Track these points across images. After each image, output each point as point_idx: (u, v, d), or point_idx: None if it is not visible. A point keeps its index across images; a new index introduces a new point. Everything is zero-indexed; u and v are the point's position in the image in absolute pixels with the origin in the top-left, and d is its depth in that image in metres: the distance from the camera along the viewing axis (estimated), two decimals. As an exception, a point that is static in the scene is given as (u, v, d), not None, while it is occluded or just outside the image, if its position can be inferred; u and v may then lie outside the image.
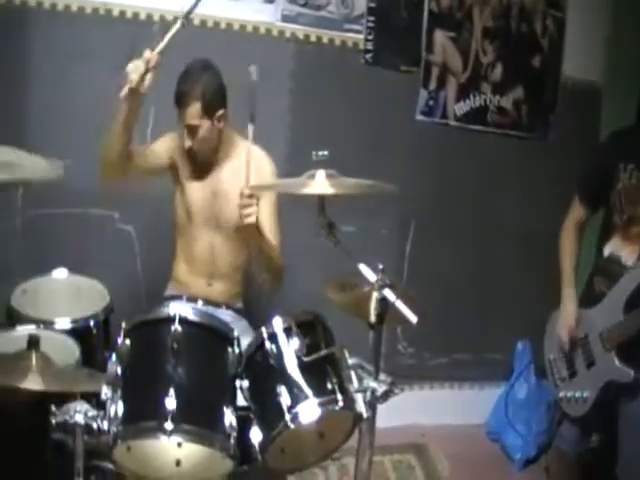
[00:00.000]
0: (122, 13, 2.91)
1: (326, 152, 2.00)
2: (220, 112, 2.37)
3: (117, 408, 1.71)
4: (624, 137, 2.49)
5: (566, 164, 3.49)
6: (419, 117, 3.31)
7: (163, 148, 2.48)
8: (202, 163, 2.47)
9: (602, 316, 2.39)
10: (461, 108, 3.37)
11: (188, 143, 2.37)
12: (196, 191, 2.48)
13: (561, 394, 2.52)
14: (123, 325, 1.85)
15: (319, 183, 1.91)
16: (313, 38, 3.11)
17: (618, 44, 3.37)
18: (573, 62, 3.53)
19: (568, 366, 2.53)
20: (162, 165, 2.48)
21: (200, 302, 2.47)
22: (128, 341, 1.82)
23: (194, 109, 2.32)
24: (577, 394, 2.45)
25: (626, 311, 2.30)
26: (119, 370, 1.78)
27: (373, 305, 1.82)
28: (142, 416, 1.71)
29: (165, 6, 2.88)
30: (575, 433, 2.54)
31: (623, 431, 2.36)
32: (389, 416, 3.08)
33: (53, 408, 1.68)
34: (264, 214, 2.47)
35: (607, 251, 2.42)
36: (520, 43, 3.44)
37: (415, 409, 3.48)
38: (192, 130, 2.35)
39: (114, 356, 1.81)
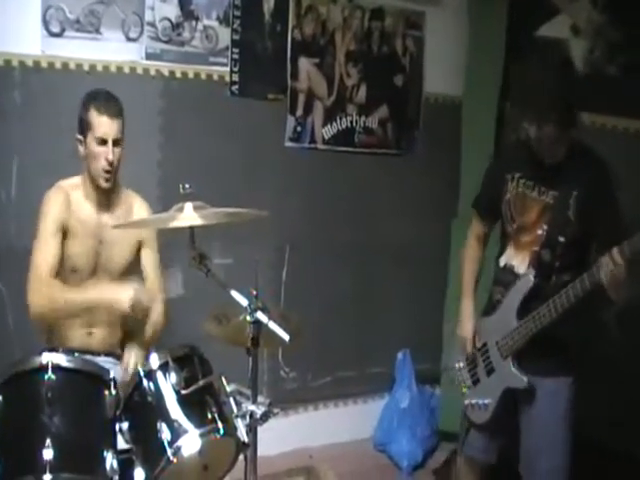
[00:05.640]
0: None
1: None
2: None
3: (-7, 470, 1.68)
4: (509, 151, 2.60)
5: (433, 175, 3.68)
6: (288, 144, 3.36)
7: (56, 223, 2.35)
8: (103, 196, 2.41)
9: (498, 324, 2.44)
10: (328, 131, 3.47)
11: (112, 156, 2.31)
12: (82, 244, 2.40)
13: (466, 402, 2.57)
14: (-6, 381, 1.82)
15: (187, 215, 1.96)
16: (179, 74, 3.11)
17: (475, 59, 3.53)
18: (434, 78, 3.71)
19: (471, 374, 2.58)
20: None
21: (76, 354, 2.28)
22: (0, 397, 1.79)
23: (120, 124, 2.34)
24: (480, 401, 2.51)
25: (519, 318, 2.35)
26: (-7, 430, 1.75)
27: (247, 329, 1.88)
28: (18, 472, 1.69)
29: (24, 50, 2.82)
30: (482, 440, 2.59)
31: (524, 433, 2.43)
32: (277, 443, 3.18)
33: None
34: (149, 263, 2.50)
35: (502, 261, 2.48)
36: (382, 64, 3.58)
37: (302, 432, 3.52)
38: (116, 144, 2.33)
39: (-14, 417, 1.77)
